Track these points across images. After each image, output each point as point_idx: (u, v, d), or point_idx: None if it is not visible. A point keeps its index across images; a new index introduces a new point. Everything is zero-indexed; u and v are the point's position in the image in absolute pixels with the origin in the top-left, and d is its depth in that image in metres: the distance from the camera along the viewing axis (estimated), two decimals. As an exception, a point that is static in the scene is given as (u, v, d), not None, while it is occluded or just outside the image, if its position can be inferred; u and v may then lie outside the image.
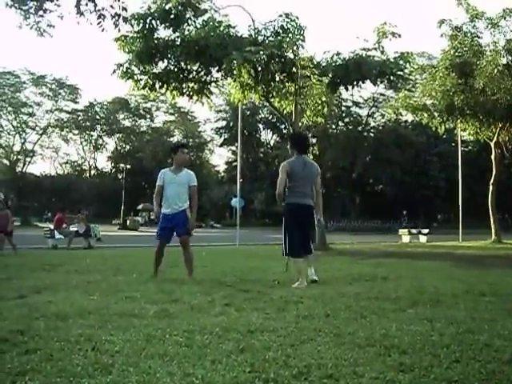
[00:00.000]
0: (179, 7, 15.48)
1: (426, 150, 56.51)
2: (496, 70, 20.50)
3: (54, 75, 60.69)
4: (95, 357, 3.45)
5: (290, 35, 15.42)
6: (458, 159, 26.95)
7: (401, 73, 17.78)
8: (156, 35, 15.98)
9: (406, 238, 25.79)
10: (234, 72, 15.84)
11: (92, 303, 5.48)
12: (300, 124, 18.48)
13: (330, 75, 17.27)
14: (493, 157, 23.88)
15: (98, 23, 10.62)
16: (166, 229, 8.01)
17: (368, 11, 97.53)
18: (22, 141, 62.66)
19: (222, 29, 15.65)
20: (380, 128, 63.27)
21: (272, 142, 69.40)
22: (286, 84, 16.96)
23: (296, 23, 15.50)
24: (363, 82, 18.03)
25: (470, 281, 7.82)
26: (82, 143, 71.82)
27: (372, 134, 63.71)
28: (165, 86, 16.75)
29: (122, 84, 76.38)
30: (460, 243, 22.64)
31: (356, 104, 60.97)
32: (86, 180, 71.27)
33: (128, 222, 45.45)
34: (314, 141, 53.98)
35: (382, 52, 17.36)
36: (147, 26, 15.50)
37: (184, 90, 17.13)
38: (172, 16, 15.53)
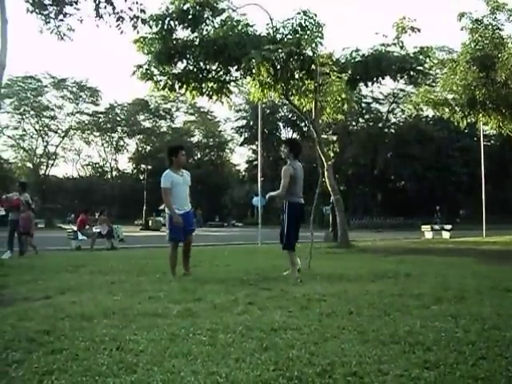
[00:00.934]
0: (197, 7, 15.50)
1: (447, 145, 55.93)
2: (518, 63, 20.20)
3: (74, 78, 61.38)
4: (120, 356, 3.48)
5: (308, 33, 15.35)
6: (481, 154, 26.63)
7: (421, 68, 17.62)
8: (174, 36, 16.02)
9: (428, 234, 25.61)
10: (253, 71, 15.82)
11: (116, 303, 5.52)
12: (320, 121, 18.41)
13: (350, 72, 17.17)
14: (516, 151, 23.56)
15: (117, 25, 10.72)
16: (180, 229, 8.09)
17: (387, 6, 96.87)
18: (45, 144, 63.52)
19: (240, 28, 15.64)
20: (401, 124, 62.78)
21: (292, 140, 69.27)
22: (306, 81, 16.89)
23: (314, 20, 15.42)
24: (383, 78, 17.91)
25: (494, 277, 7.74)
26: (103, 145, 72.38)
27: (393, 131, 63.23)
28: (184, 86, 16.78)
29: (141, 85, 77.01)
30: (484, 239, 22.37)
31: (376, 100, 60.59)
32: (107, 181, 71.83)
33: (150, 222, 45.63)
34: (335, 138, 53.81)
35: (402, 47, 17.22)
36: (165, 26, 15.54)
37: (203, 90, 17.14)
38: (190, 16, 15.56)
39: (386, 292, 6.17)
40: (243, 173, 72.99)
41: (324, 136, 23.89)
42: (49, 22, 11.00)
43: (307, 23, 15.42)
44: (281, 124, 67.71)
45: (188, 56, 16.34)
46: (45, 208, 58.34)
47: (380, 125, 62.12)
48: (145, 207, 49.23)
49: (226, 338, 3.96)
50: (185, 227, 8.11)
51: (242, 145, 70.29)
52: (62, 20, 10.99)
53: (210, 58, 16.08)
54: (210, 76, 16.97)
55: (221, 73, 17.06)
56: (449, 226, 26.91)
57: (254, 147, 65.52)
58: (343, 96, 17.40)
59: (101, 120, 67.30)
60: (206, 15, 15.79)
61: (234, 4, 16.19)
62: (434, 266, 9.96)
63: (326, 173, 16.91)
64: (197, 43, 15.96)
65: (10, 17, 10.20)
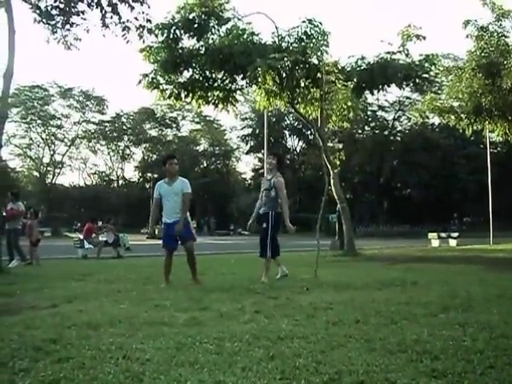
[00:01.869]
0: (203, 16, 15.58)
1: (453, 152, 55.85)
2: (524, 70, 20.18)
3: (81, 87, 61.77)
4: (126, 365, 3.47)
5: (313, 41, 15.39)
6: (487, 161, 26.57)
7: (426, 75, 17.64)
8: (180, 45, 16.09)
9: (435, 242, 25.50)
10: (259, 79, 15.86)
11: (122, 312, 5.52)
12: (326, 129, 18.42)
13: (355, 80, 17.19)
14: (523, 158, 23.50)
15: (123, 35, 10.80)
16: (170, 237, 8.24)
17: (392, 14, 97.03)
18: (51, 153, 63.87)
19: (245, 36, 15.69)
20: (406, 132, 62.76)
21: (298, 149, 69.28)
22: (311, 90, 16.92)
23: (319, 29, 15.46)
24: (388, 86, 17.92)
25: (502, 285, 7.69)
26: (109, 154, 72.64)
27: (399, 138, 63.22)
28: (190, 94, 16.84)
29: (147, 94, 77.26)
30: (491, 246, 22.28)
31: (382, 108, 60.64)
32: (114, 190, 72.00)
33: (156, 230, 45.51)
34: (341, 146, 53.77)
35: (407, 55, 17.24)
36: (171, 35, 15.62)
37: (209, 99, 17.19)
38: (196, 25, 15.63)
39: (393, 300, 6.14)
40: (249, 181, 73.04)
41: (330, 144, 23.91)
42: (56, 32, 11.09)
43: (312, 31, 15.46)
44: (287, 132, 67.82)
45: (194, 65, 16.40)
46: (51, 216, 58.55)
47: (386, 132, 62.12)
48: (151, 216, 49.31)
49: (232, 346, 3.95)
50: (180, 236, 8.16)
51: (247, 153, 70.42)
52: (68, 30, 11.08)
53: (216, 67, 16.12)
54: (215, 85, 17.02)
55: (226, 81, 17.11)
56: (456, 234, 26.81)
57: (259, 155, 65.59)
58: (349, 104, 17.41)
59: (107, 129, 67.62)
60: (211, 24, 15.85)
61: (240, 13, 16.26)
62: (441, 274, 9.92)
63: (332, 181, 16.90)
64: (202, 52, 16.02)
65: (18, 27, 10.29)
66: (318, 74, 15.91)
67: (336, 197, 17.46)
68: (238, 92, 18.11)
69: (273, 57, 14.46)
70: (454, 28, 78.44)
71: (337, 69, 16.50)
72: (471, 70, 21.54)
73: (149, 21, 11.03)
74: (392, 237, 40.96)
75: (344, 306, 5.73)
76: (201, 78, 16.76)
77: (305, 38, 15.54)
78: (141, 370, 3.35)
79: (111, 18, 10.67)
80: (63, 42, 11.29)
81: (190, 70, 16.63)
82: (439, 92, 25.00)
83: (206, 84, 16.86)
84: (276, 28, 16.11)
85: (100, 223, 19.09)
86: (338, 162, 18.69)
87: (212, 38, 16.11)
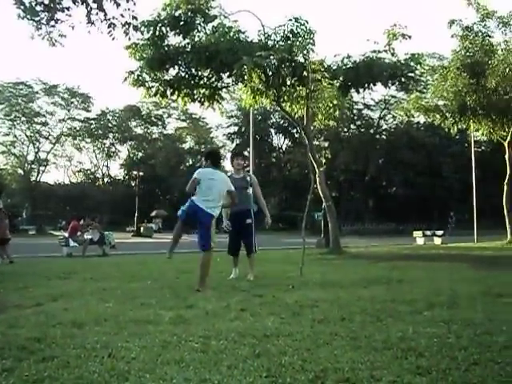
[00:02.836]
0: (189, 14, 15.53)
1: (438, 151, 56.15)
2: (508, 69, 20.39)
3: (66, 84, 61.23)
4: (111, 364, 3.46)
5: (299, 39, 15.41)
6: (472, 160, 26.77)
7: (412, 74, 17.71)
8: (166, 42, 16.03)
9: (420, 240, 25.64)
10: (245, 77, 15.85)
11: (108, 310, 5.50)
12: (312, 128, 18.45)
13: (341, 78, 17.24)
14: (506, 157, 23.69)
15: (109, 32, 10.69)
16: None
17: (378, 13, 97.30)
18: (36, 150, 63.28)
19: (231, 34, 15.67)
20: (392, 130, 63.03)
21: (284, 147, 69.28)
22: (297, 88, 16.94)
23: (306, 27, 15.49)
24: (374, 85, 17.98)
25: (486, 282, 7.76)
26: (94, 151, 72.14)
27: (384, 137, 63.47)
28: (176, 92, 16.79)
29: (133, 91, 76.84)
30: (475, 244, 22.46)
31: (367, 107, 60.80)
32: (99, 188, 71.52)
33: (142, 228, 45.53)
34: (326, 144, 53.90)
35: (393, 54, 17.30)
36: (157, 33, 15.56)
37: (195, 96, 17.15)
38: (182, 23, 15.59)
39: (379, 298, 6.18)
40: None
41: (316, 142, 24.00)
42: (40, 28, 10.97)
43: (299, 30, 15.48)
44: (272, 130, 67.78)
45: (180, 62, 16.35)
46: (36, 215, 58.12)
47: (371, 131, 62.33)
48: (136, 214, 49.09)
49: (218, 344, 3.95)
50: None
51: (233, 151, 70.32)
52: (53, 26, 10.96)
53: (202, 65, 16.09)
54: (201, 82, 16.98)
55: (212, 79, 17.08)
56: (440, 232, 26.97)
57: (245, 153, 65.50)
58: (335, 102, 17.46)
59: (92, 126, 67.13)
60: (197, 22, 15.81)
61: (226, 11, 16.24)
62: (426, 271, 9.98)
63: (317, 179, 16.93)
64: (189, 49, 15.98)
65: (1, 22, 10.19)
66: (304, 73, 15.94)
67: (322, 195, 17.51)
68: (224, 90, 18.12)
69: (259, 55, 14.45)
70: (440, 28, 79.30)
71: (323, 67, 16.55)
72: (456, 69, 21.73)
73: (135, 18, 10.92)
74: (377, 235, 41.16)
75: (329, 304, 5.75)
76: (187, 76, 16.72)
77: (291, 36, 15.56)
78: (126, 369, 3.34)
79: (96, 14, 10.56)
80: (48, 38, 11.17)
81: (176, 67, 16.58)
82: (424, 91, 25.14)
83: (192, 82, 16.82)
84: (262, 26, 16.12)
85: (82, 221, 18.87)
86: (324, 161, 18.75)
87: (198, 36, 16.08)
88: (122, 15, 10.68)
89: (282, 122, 62.07)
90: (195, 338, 4.15)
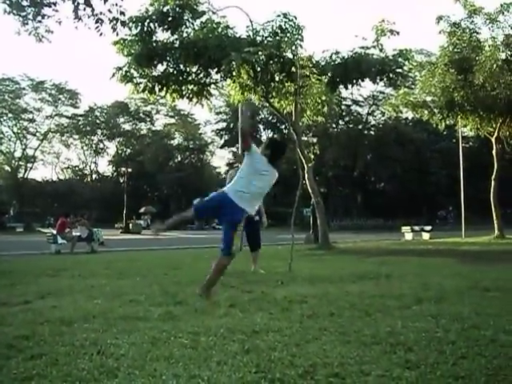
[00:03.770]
0: (177, 9, 15.46)
1: (426, 146, 56.39)
2: (495, 66, 20.51)
3: (53, 80, 60.71)
4: (101, 360, 3.45)
5: (288, 35, 15.39)
6: (459, 155, 26.92)
7: (400, 70, 17.76)
8: (154, 38, 15.95)
9: (408, 236, 25.76)
10: (234, 73, 15.83)
11: (96, 307, 5.48)
12: (300, 124, 18.47)
13: (330, 74, 17.26)
14: (494, 152, 23.87)
15: (96, 27, 10.64)
16: None
17: (366, 9, 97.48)
18: (23, 147, 62.78)
19: (220, 30, 15.63)
20: (380, 126, 63.17)
21: (273, 143, 69.18)
22: (286, 84, 16.94)
23: (294, 23, 15.47)
24: (362, 81, 18.02)
25: (474, 277, 7.81)
26: (82, 148, 71.79)
27: (372, 132, 63.59)
28: (164, 88, 16.73)
29: (121, 88, 76.42)
30: (463, 239, 22.59)
31: (356, 102, 60.89)
32: (87, 184, 71.21)
33: (130, 225, 45.39)
34: (315, 140, 53.90)
35: (381, 50, 17.35)
36: (145, 28, 15.47)
37: (184, 93, 17.10)
38: (170, 18, 15.51)
39: (367, 293, 6.20)
40: (223, 175, 72.82)
41: (304, 138, 24.02)
42: (27, 24, 10.90)
43: (287, 26, 15.46)
44: (261, 126, 67.75)
45: (168, 58, 16.28)
46: (23, 212, 57.73)
47: (360, 127, 62.45)
48: (125, 210, 48.92)
49: (207, 340, 3.95)
50: None
51: (222, 147, 70.14)
52: (40, 22, 10.90)
53: (190, 61, 16.04)
54: (190, 78, 16.93)
55: (201, 75, 17.03)
56: (428, 227, 27.12)
57: (234, 150, 65.43)
58: (323, 98, 17.51)
59: (80, 123, 66.73)
60: (186, 17, 15.75)
61: (214, 6, 16.19)
62: (415, 266, 10.03)
63: (306, 175, 16.96)
64: (177, 45, 15.92)
65: (-13, 18, 10.10)
66: (293, 69, 15.94)
67: (310, 191, 17.54)
68: (213, 86, 18.05)
69: (247, 51, 14.43)
70: (427, 24, 79.54)
71: (311, 63, 16.57)
72: (444, 65, 21.84)
73: (122, 13, 10.86)
74: (366, 230, 41.30)
75: (318, 300, 5.77)
76: (175, 72, 16.65)
77: (279, 32, 15.53)
78: (115, 366, 3.33)
79: (84, 9, 10.50)
80: (34, 33, 11.11)
81: (164, 63, 16.51)
82: (412, 87, 25.28)
83: (180, 78, 16.76)
84: (251, 22, 16.08)
85: (68, 219, 18.74)
86: (313, 156, 18.76)
87: (186, 32, 16.02)
88: (109, 10, 10.63)
89: (270, 117, 62.04)
90: (184, 334, 4.15)
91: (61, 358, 3.51)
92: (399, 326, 4.34)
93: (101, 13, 10.54)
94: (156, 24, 15.61)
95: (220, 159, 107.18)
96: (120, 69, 16.12)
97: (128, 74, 16.24)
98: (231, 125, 63.22)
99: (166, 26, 15.70)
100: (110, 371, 3.22)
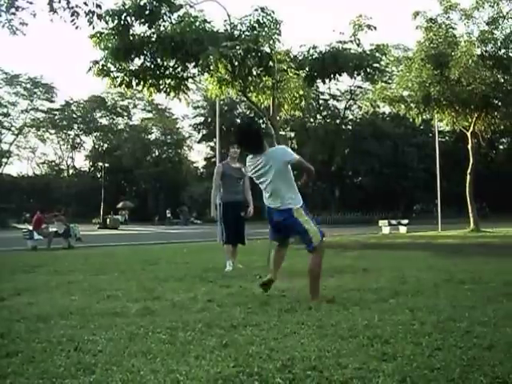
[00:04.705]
0: (154, 3, 15.33)
1: (404, 141, 56.84)
2: (471, 61, 20.76)
3: (28, 74, 60.06)
4: (78, 357, 3.43)
5: (265, 29, 15.38)
6: (436, 150, 27.19)
7: (377, 65, 17.86)
8: (131, 32, 15.80)
9: (385, 229, 25.97)
10: (211, 67, 15.76)
11: (73, 303, 5.44)
12: (278, 118, 18.48)
13: (307, 69, 17.30)
14: (469, 146, 24.15)
15: (72, 21, 10.50)
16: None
17: (343, 4, 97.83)
18: (-2, 142, 61.97)
19: (197, 24, 15.54)
20: (358, 120, 63.46)
21: (251, 137, 69.13)
22: (263, 78, 16.92)
23: (272, 17, 15.46)
24: (340, 75, 18.08)
25: (450, 269, 7.91)
26: (59, 143, 71.12)
27: (350, 127, 63.88)
28: (141, 82, 16.60)
29: (98, 82, 75.73)
30: (439, 233, 22.86)
31: (333, 97, 61.10)
32: (64, 180, 70.55)
33: (108, 220, 45.11)
34: (293, 135, 54.12)
35: (358, 45, 17.42)
36: (122, 22, 15.31)
37: (161, 87, 16.99)
38: (147, 12, 15.36)
39: (345, 287, 6.25)
40: (201, 170, 72.66)
41: (282, 133, 24.04)
42: (0, 16, 10.73)
43: (265, 20, 15.44)
44: (239, 121, 67.66)
45: (145, 52, 16.15)
46: (-2, 208, 56.99)
47: (337, 121, 62.66)
48: (102, 205, 48.64)
49: (185, 335, 3.95)
50: None
51: (200, 142, 69.97)
52: (13, 14, 10.73)
53: (168, 55, 15.93)
54: (167, 73, 16.82)
55: (178, 69, 16.93)
56: (405, 221, 27.37)
57: (212, 144, 65.28)
58: (301, 93, 17.52)
59: (56, 117, 66.04)
60: (163, 11, 15.62)
61: (192, 0, 16.09)
62: (392, 260, 10.12)
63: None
64: (154, 39, 15.80)
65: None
66: (270, 63, 15.93)
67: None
68: (190, 80, 17.95)
69: (225, 45, 14.39)
70: (404, 19, 79.92)
71: (289, 57, 16.57)
72: (420, 60, 22.03)
73: (99, 6, 10.73)
74: (344, 224, 41.46)
75: (297, 294, 5.80)
76: (152, 66, 16.53)
77: (257, 26, 15.50)
78: (93, 362, 3.31)
79: (59, 2, 10.35)
80: (8, 26, 10.94)
81: (142, 57, 16.37)
82: (390, 82, 25.42)
83: (158, 72, 16.64)
84: (228, 16, 16.03)
85: (59, 215, 18.55)
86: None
87: (164, 26, 15.90)
88: (85, 3, 10.49)
89: (248, 112, 61.98)
90: (162, 329, 4.14)
91: (37, 355, 3.48)
92: (376, 319, 4.38)
93: (76, 6, 10.39)
94: (133, 17, 15.45)
95: (198, 154, 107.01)
96: (97, 63, 15.96)
97: (105, 67, 16.08)
98: (209, 119, 63.02)
99: (143, 20, 15.55)
100: (88, 367, 3.21)
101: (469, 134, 24.10)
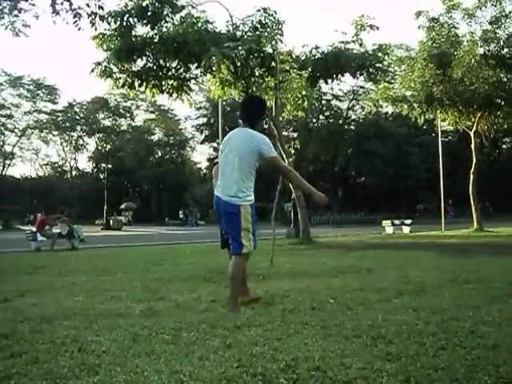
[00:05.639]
0: (156, 4, 15.36)
1: (406, 141, 56.70)
2: (473, 60, 20.73)
3: (31, 76, 59.98)
4: (82, 358, 3.43)
5: (268, 30, 15.40)
6: (439, 149, 27.13)
7: (380, 65, 17.87)
8: (134, 33, 15.84)
9: (389, 229, 25.92)
10: (214, 68, 15.78)
11: (77, 304, 5.45)
12: (280, 118, 18.48)
13: (310, 69, 17.31)
14: (472, 146, 24.09)
15: (74, 22, 10.51)
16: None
17: (346, 4, 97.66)
18: (1, 143, 61.99)
19: (199, 25, 15.56)
20: (361, 121, 63.36)
21: (253, 138, 69.06)
22: (266, 79, 16.93)
23: (274, 18, 15.48)
24: (342, 75, 18.09)
25: (453, 269, 7.89)
26: (62, 144, 71.09)
27: (353, 127, 63.79)
28: (144, 83, 16.63)
29: (101, 83, 75.81)
30: (443, 232, 22.80)
31: (336, 97, 61.01)
32: (67, 181, 70.56)
33: (111, 221, 45.10)
34: (295, 135, 54.04)
35: (361, 45, 17.44)
36: (124, 23, 15.35)
37: (163, 88, 17.01)
38: (149, 13, 15.40)
39: (349, 287, 6.24)
40: (204, 171, 72.62)
41: (285, 133, 24.02)
42: (3, 18, 10.75)
43: (267, 20, 15.46)
44: (241, 121, 67.61)
45: (147, 53, 16.19)
46: (2, 209, 57.04)
47: (340, 121, 62.58)
48: (106, 206, 48.62)
49: (189, 336, 3.94)
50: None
51: (202, 143, 69.90)
52: (16, 16, 10.75)
53: (170, 56, 15.96)
54: (169, 73, 16.85)
55: (181, 70, 16.96)
56: (409, 221, 27.32)
57: (214, 145, 65.26)
58: (303, 93, 17.52)
59: (59, 119, 66.01)
60: (165, 12, 15.66)
61: (194, 1, 16.12)
62: (395, 260, 10.11)
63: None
64: (156, 40, 15.83)
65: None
66: (273, 63, 15.94)
67: (291, 186, 17.56)
68: (193, 81, 17.97)
69: (227, 46, 14.40)
70: (407, 19, 79.80)
71: (291, 58, 16.58)
72: (423, 60, 21.98)
73: (101, 7, 10.74)
74: (347, 224, 41.46)
75: (300, 294, 5.79)
76: (155, 67, 16.57)
77: (259, 26, 15.53)
78: (97, 363, 3.31)
79: (62, 4, 10.37)
80: (11, 28, 10.96)
81: (144, 58, 16.42)
82: (392, 81, 25.38)
83: (160, 73, 16.68)
84: (230, 17, 16.05)
85: (62, 216, 18.56)
86: (293, 151, 18.80)
87: (166, 27, 15.93)
88: (87, 5, 10.50)
89: (250, 112, 61.89)
90: (166, 330, 4.14)
91: (41, 356, 3.49)
92: (380, 319, 4.37)
93: (79, 7, 10.41)
94: (135, 19, 15.49)
95: (200, 154, 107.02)
96: (99, 64, 15.99)
97: (107, 69, 16.12)
98: (211, 120, 63.01)
99: (145, 21, 15.59)
100: (91, 368, 3.21)
101: (472, 134, 24.04)
